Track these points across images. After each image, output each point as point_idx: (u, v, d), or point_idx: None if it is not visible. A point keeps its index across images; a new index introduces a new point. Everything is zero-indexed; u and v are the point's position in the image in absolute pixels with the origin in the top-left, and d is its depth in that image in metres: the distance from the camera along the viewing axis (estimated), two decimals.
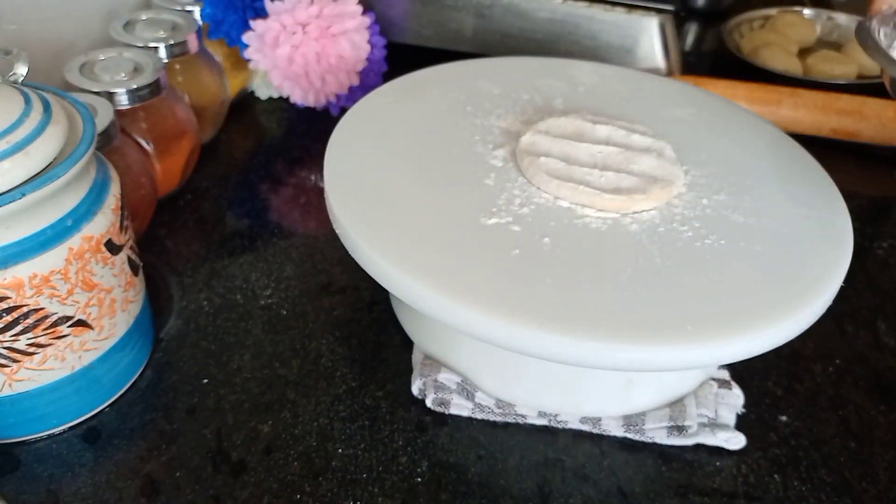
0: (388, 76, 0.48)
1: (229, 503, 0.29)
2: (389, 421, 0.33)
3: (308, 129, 0.52)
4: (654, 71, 0.56)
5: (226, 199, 0.46)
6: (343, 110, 0.38)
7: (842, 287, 0.30)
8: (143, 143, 0.41)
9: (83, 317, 0.30)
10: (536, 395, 0.33)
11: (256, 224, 0.44)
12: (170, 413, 0.33)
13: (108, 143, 0.36)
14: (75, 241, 0.28)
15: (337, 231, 0.32)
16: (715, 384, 0.34)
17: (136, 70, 0.40)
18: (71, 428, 0.32)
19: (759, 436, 0.33)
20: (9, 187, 0.26)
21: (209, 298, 0.38)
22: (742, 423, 0.33)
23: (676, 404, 0.33)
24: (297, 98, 0.51)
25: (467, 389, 0.33)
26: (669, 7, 0.55)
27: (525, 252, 0.30)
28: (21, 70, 0.38)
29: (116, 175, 0.32)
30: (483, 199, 0.32)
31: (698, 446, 0.32)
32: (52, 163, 0.27)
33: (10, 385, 0.29)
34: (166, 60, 0.44)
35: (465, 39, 0.55)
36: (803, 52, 0.62)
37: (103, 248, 0.30)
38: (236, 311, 0.38)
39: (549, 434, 0.33)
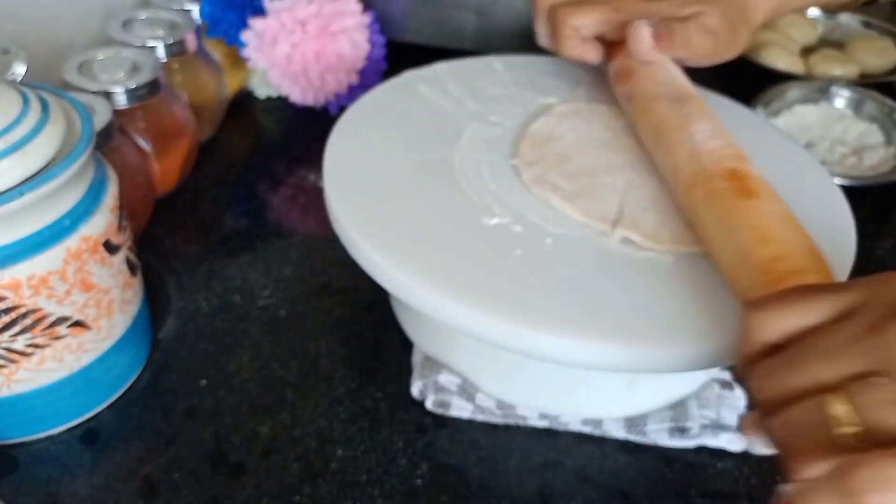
0: (387, 75, 0.48)
1: None
2: (389, 422, 0.32)
3: (307, 128, 0.52)
4: None
5: (224, 198, 0.45)
6: (342, 109, 0.38)
7: None
8: (142, 142, 0.40)
9: (81, 317, 0.29)
10: (537, 396, 0.32)
11: (255, 224, 0.44)
12: (168, 414, 0.32)
13: (106, 143, 0.36)
14: (73, 242, 0.28)
15: (336, 231, 0.31)
16: (717, 385, 0.34)
17: (135, 69, 0.40)
18: (69, 429, 0.31)
19: None
20: (6, 187, 0.26)
21: (207, 299, 0.38)
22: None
23: (678, 406, 0.33)
24: (296, 97, 0.51)
25: (467, 391, 0.33)
26: None
27: (527, 252, 0.29)
28: (19, 69, 0.38)
29: (114, 175, 0.32)
30: (484, 198, 0.32)
31: (700, 448, 0.32)
32: (49, 162, 0.27)
33: (8, 386, 0.29)
34: (164, 59, 0.43)
35: (465, 37, 0.55)
36: (805, 52, 0.62)
37: (101, 249, 0.30)
38: (235, 311, 0.37)
39: (550, 436, 0.32)
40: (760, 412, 0.20)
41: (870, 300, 0.19)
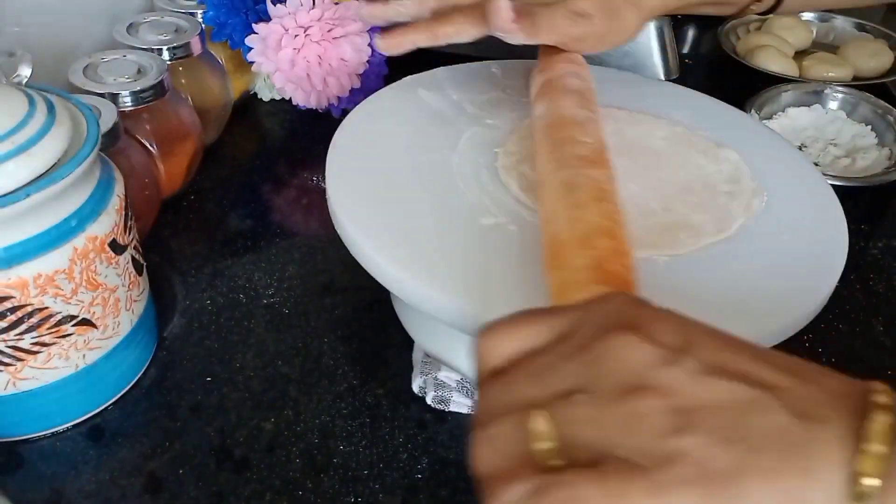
0: (388, 79, 0.48)
1: (232, 500, 0.29)
2: (390, 418, 0.33)
3: (310, 130, 0.52)
4: (652, 73, 0.56)
5: (229, 199, 0.46)
6: (344, 112, 0.38)
7: (837, 287, 0.30)
8: (147, 144, 0.41)
9: (87, 316, 0.30)
10: None
11: (259, 224, 0.44)
12: (173, 411, 0.33)
13: (112, 145, 0.36)
14: (80, 241, 0.29)
15: (339, 231, 0.32)
16: None
17: (140, 72, 0.40)
18: (75, 426, 0.32)
19: None
20: (13, 188, 0.26)
21: (212, 298, 0.38)
22: None
23: None
24: (299, 100, 0.51)
25: (467, 387, 0.33)
26: None
27: (523, 251, 0.30)
28: (25, 72, 0.38)
29: (120, 176, 0.32)
30: (482, 199, 0.32)
31: None
32: (56, 164, 0.28)
33: (14, 384, 0.29)
34: (170, 62, 0.44)
35: (464, 43, 0.55)
36: (799, 55, 0.62)
37: (107, 248, 0.30)
38: (239, 310, 0.38)
39: None
40: (476, 429, 0.19)
41: (584, 320, 0.19)
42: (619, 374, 0.18)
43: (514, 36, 0.35)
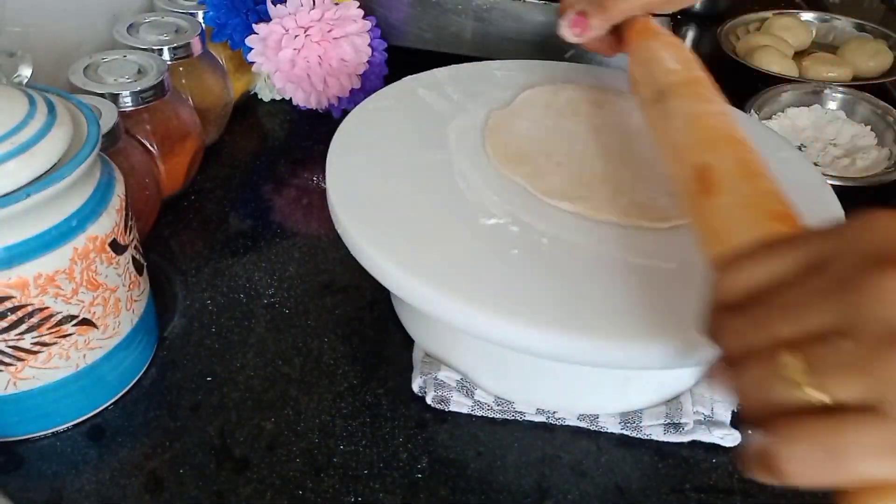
0: (388, 79, 0.48)
1: (232, 499, 0.30)
2: (390, 418, 0.33)
3: (310, 130, 0.52)
4: None
5: (229, 199, 0.46)
6: (344, 112, 0.39)
7: None
8: (148, 144, 0.41)
9: (88, 316, 0.30)
10: (535, 392, 0.33)
11: (259, 224, 0.44)
12: (174, 411, 0.33)
13: (113, 145, 0.36)
14: (80, 241, 0.29)
15: (339, 231, 0.32)
16: None
17: (140, 72, 0.41)
18: (75, 426, 0.32)
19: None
20: (14, 188, 0.26)
21: (213, 297, 0.39)
22: (738, 420, 0.33)
23: (673, 402, 0.33)
24: (300, 100, 0.51)
25: (467, 387, 0.33)
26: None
27: (524, 251, 0.30)
28: (25, 72, 0.38)
29: (121, 176, 0.32)
30: (482, 199, 0.33)
31: (694, 443, 0.33)
32: (56, 164, 0.28)
33: (14, 383, 0.29)
34: (170, 63, 0.44)
35: (464, 43, 0.55)
36: (799, 55, 0.63)
37: (108, 248, 0.30)
38: (239, 309, 0.38)
39: (548, 431, 0.33)
40: (729, 367, 0.19)
41: (842, 248, 0.17)
42: (893, 318, 0.16)
43: (592, 32, 0.34)
